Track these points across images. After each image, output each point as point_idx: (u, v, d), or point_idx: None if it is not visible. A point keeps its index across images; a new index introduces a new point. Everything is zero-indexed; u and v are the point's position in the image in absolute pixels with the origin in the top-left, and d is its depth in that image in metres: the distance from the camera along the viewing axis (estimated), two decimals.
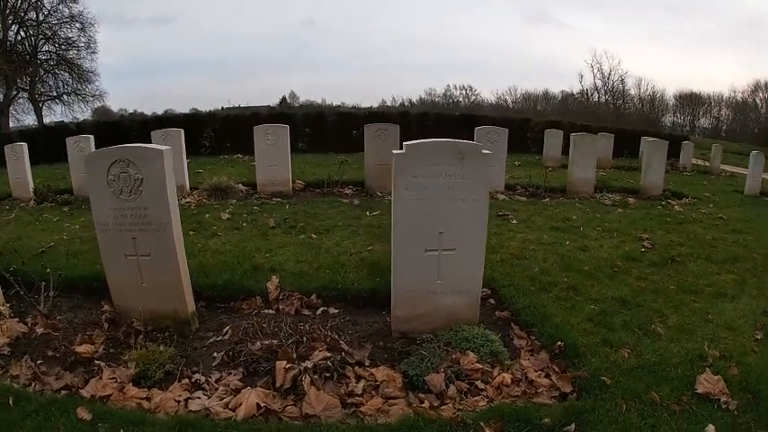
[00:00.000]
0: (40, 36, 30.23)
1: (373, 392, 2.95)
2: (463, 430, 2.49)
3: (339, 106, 46.23)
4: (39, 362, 3.26)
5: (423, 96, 51.27)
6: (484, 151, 3.39)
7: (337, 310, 4.00)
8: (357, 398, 2.89)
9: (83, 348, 3.37)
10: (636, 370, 3.02)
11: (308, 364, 3.00)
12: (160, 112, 42.86)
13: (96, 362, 3.28)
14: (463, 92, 48.79)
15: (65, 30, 30.45)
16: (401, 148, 3.40)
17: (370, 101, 67.41)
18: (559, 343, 3.34)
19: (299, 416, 2.72)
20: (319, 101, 51.13)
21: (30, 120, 31.76)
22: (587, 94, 39.89)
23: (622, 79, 38.78)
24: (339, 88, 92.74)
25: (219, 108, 44.83)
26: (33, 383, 3.12)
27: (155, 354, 3.22)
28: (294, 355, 3.05)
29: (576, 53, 77.67)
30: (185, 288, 3.76)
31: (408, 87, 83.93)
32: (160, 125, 14.86)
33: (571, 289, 4.32)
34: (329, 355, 3.11)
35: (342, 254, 5.09)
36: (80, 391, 2.99)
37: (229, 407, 2.79)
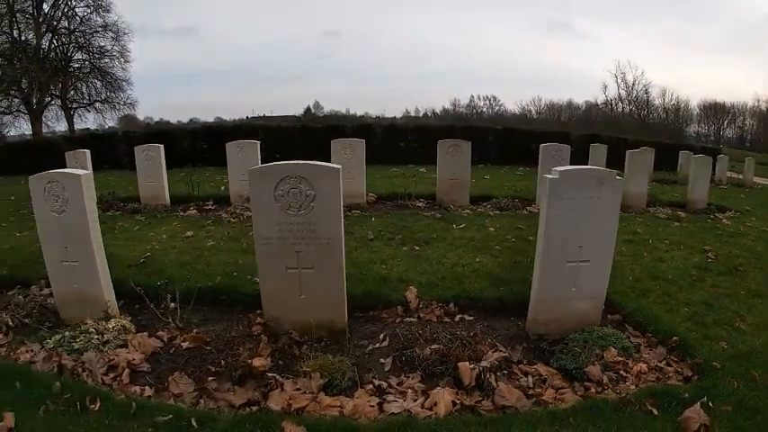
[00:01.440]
0: (73, 44, 30.90)
1: (542, 385, 3.31)
2: (631, 407, 2.96)
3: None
4: (210, 378, 3.29)
5: (446, 107, 51.22)
6: (617, 177, 3.78)
7: (471, 318, 4.31)
8: (533, 390, 3.25)
9: (258, 362, 3.39)
10: (734, 357, 3.59)
11: (486, 363, 3.33)
12: (185, 120, 43.32)
13: (269, 375, 3.31)
14: (487, 102, 48.79)
15: (98, 39, 31.08)
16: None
17: (392, 111, 68.09)
18: (675, 338, 3.88)
19: (493, 408, 3.04)
20: (343, 110, 51.24)
21: (61, 127, 32.51)
22: (611, 105, 40.14)
23: (646, 89, 39.04)
24: (360, 98, 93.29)
25: (245, 117, 45.23)
26: (202, 401, 3.15)
27: (334, 363, 3.36)
28: (465, 357, 3.38)
29: (599, 63, 77.49)
30: (344, 299, 3.94)
31: (429, 97, 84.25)
32: (208, 134, 15.27)
33: (665, 294, 4.81)
34: (503, 355, 3.49)
35: (454, 265, 5.39)
36: (269, 405, 3.04)
37: (424, 406, 3.04)
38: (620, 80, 39.72)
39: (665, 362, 3.67)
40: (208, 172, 14.04)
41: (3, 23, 27.92)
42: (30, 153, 18.06)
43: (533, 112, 44.73)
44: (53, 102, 31.16)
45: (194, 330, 4.00)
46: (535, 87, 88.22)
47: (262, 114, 48.70)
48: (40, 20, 29.28)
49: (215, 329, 4.01)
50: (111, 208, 9.48)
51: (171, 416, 2.86)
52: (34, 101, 29.06)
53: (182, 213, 8.93)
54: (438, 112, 50.68)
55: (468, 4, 78.03)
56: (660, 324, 4.11)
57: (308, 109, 49.88)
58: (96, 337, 3.80)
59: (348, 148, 8.77)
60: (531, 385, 3.31)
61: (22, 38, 29.05)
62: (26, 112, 29.75)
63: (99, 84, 31.80)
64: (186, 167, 14.86)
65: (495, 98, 48.75)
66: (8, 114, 30.06)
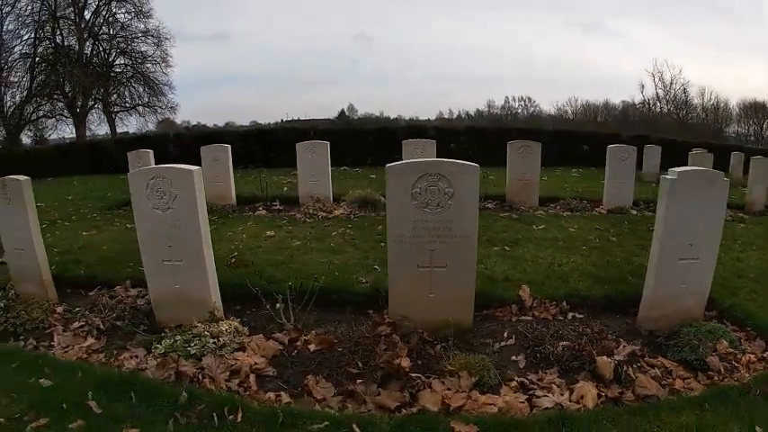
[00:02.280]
0: (115, 50, 31.59)
1: (669, 376, 3.47)
2: (752, 391, 3.07)
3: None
4: (358, 381, 3.24)
5: (480, 108, 50.63)
6: (724, 179, 3.96)
7: (582, 315, 4.42)
8: (664, 380, 3.39)
9: (405, 362, 3.31)
10: None
11: (620, 357, 3.49)
12: (221, 124, 43.82)
13: (413, 375, 3.26)
14: (522, 103, 48.22)
15: (139, 44, 31.70)
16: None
17: (425, 113, 68.00)
18: None
19: (634, 399, 3.17)
20: (377, 113, 51.15)
21: (102, 130, 33.21)
22: (649, 104, 39.62)
23: (684, 89, 38.36)
24: (392, 100, 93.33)
25: (280, 120, 45.63)
26: (349, 405, 3.08)
27: (477, 362, 3.38)
28: (594, 352, 3.50)
29: (634, 62, 75.96)
30: (473, 297, 3.98)
31: (460, 99, 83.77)
32: (260, 137, 15.48)
33: (752, 292, 4.87)
34: (634, 348, 3.67)
35: (550, 265, 5.49)
36: (425, 405, 3.03)
37: (572, 400, 3.14)
38: (657, 79, 39.11)
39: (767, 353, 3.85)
40: (263, 173, 14.17)
41: (45, 29, 28.64)
42: (79, 154, 18.57)
43: (570, 112, 44.11)
44: (96, 105, 31.82)
45: (313, 332, 3.95)
46: (569, 88, 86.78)
47: (296, 118, 48.71)
48: (82, 26, 29.93)
49: (338, 330, 3.95)
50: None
51: (326, 423, 2.71)
52: (78, 105, 29.69)
53: (251, 213, 9.04)
54: (472, 113, 50.06)
55: (495, 5, 77.21)
56: (756, 319, 4.25)
57: (343, 112, 49.88)
58: (212, 341, 3.69)
59: (420, 149, 8.89)
60: (660, 376, 3.45)
61: (65, 43, 29.75)
62: (68, 115, 30.43)
63: (141, 88, 32.41)
64: (239, 169, 15.10)
65: (530, 99, 47.89)
66: (51, 118, 30.80)
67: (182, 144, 16.34)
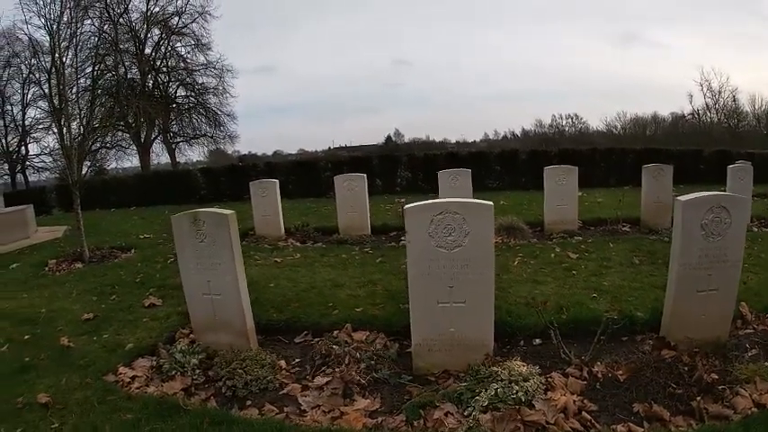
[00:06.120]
0: (176, 81, 32.72)
1: None
2: None
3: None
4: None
5: (526, 127, 50.41)
6: None
7: None
8: None
9: (712, 377, 3.55)
10: None
11: None
12: (269, 153, 44.48)
13: (720, 387, 3.50)
14: (569, 120, 47.93)
15: (200, 76, 32.92)
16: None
17: (471, 135, 68.22)
18: None
19: None
20: (424, 137, 51.36)
21: (163, 159, 34.26)
22: (698, 115, 39.35)
23: (734, 96, 37.96)
24: (437, 124, 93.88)
25: (327, 148, 46.26)
26: (691, 423, 3.29)
27: (761, 368, 3.71)
28: None
29: (679, 72, 74.66)
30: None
31: (503, 118, 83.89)
32: (356, 167, 15.89)
33: None
34: None
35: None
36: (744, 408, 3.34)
37: None
38: (705, 88, 38.72)
39: None
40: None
41: (108, 62, 29.72)
42: (165, 182, 19.29)
43: (619, 127, 43.76)
44: (159, 135, 32.83)
45: (598, 362, 3.99)
46: (613, 101, 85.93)
47: (343, 145, 49.38)
48: (143, 59, 31.03)
49: (621, 359, 4.04)
50: (308, 239, 9.77)
51: None
52: (142, 135, 30.67)
53: (394, 244, 9.03)
54: (518, 133, 49.99)
55: (525, 20, 77.24)
56: None
57: (389, 137, 50.27)
58: (527, 384, 3.55)
59: (563, 175, 9.25)
60: None
61: (128, 76, 30.86)
62: (126, 146, 31.52)
63: (202, 119, 33.60)
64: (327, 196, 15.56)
65: (577, 116, 47.58)
66: (111, 149, 31.82)
67: (271, 174, 16.69)
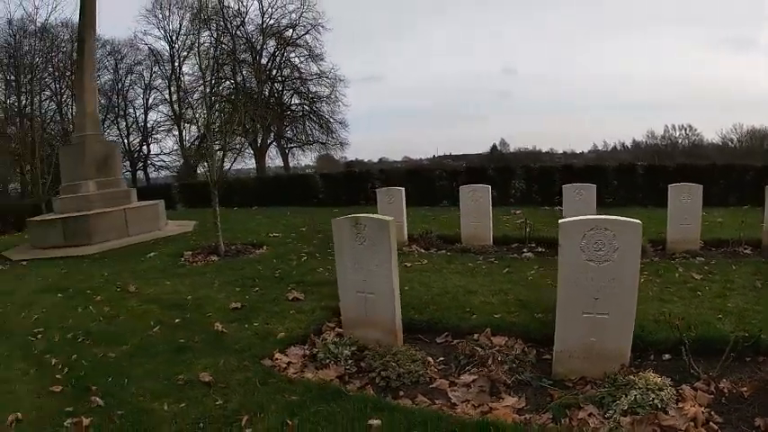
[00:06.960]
0: (290, 90, 34.45)
1: None
2: None
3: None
4: None
5: (636, 139, 48.17)
6: None
7: None
8: None
9: None
10: None
11: None
12: (375, 159, 45.46)
13: None
14: (683, 132, 45.45)
15: (313, 85, 34.60)
16: None
17: (578, 146, 66.39)
18: None
19: None
20: (530, 147, 50.53)
21: (277, 162, 36.15)
22: None
23: None
24: (542, 133, 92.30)
25: (432, 156, 46.77)
26: None
27: None
28: None
29: None
30: None
31: (611, 129, 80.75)
32: (470, 177, 16.06)
33: None
34: None
35: None
36: None
37: None
38: None
39: None
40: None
41: (226, 70, 31.79)
42: (284, 185, 20.73)
43: (735, 140, 41.02)
44: (274, 141, 34.69)
45: (724, 379, 3.99)
46: (726, 112, 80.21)
47: (448, 153, 49.61)
48: (260, 68, 32.93)
49: (745, 377, 4.07)
50: (431, 246, 9.81)
51: None
52: (259, 140, 32.52)
53: (516, 255, 8.87)
54: (628, 144, 47.89)
55: (627, 28, 73.82)
56: None
57: (494, 147, 49.90)
58: (662, 393, 3.67)
59: (686, 193, 9.00)
60: None
61: (246, 84, 32.85)
62: (238, 150, 33.22)
63: (315, 125, 35.17)
64: (441, 205, 15.74)
65: (690, 127, 44.90)
66: (228, 151, 33.80)
67: (387, 180, 17.16)
